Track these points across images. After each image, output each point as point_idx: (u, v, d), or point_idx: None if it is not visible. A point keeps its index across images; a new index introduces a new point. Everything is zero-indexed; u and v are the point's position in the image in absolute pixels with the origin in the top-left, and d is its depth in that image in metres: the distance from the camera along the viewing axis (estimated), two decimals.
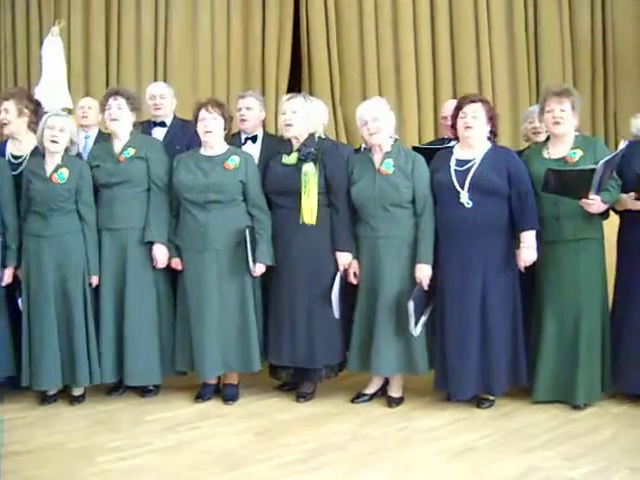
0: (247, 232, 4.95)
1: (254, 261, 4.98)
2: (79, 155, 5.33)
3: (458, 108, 4.99)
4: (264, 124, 5.84)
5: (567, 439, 4.50)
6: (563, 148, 4.93)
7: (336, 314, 5.02)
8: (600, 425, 4.72)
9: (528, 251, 4.86)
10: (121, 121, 5.18)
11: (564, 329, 4.95)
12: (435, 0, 8.56)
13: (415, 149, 5.26)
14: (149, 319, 5.14)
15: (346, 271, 5.09)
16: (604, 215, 4.93)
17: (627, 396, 5.08)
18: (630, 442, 4.47)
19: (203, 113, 5.05)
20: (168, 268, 5.20)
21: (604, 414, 4.90)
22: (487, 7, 8.63)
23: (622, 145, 4.74)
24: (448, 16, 8.61)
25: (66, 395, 5.19)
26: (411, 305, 4.80)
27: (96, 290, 5.11)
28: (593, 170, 4.59)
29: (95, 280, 5.08)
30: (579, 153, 4.86)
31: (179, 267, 5.15)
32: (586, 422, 4.78)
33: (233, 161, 5.07)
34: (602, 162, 4.60)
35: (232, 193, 5.03)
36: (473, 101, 4.98)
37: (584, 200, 4.71)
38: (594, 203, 4.72)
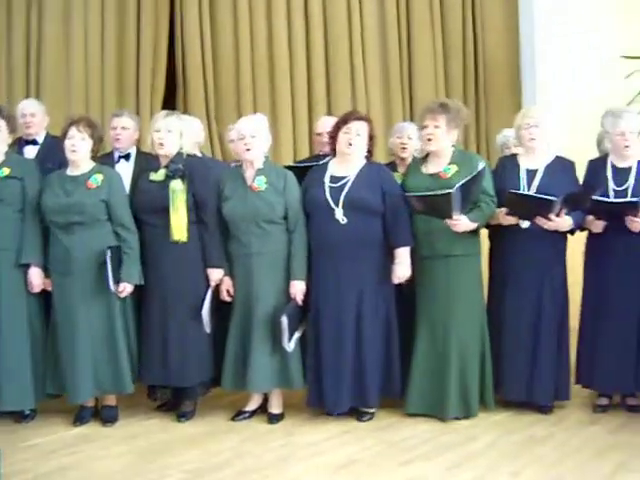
0: (108, 253, 4.87)
1: (116, 282, 4.91)
2: None
3: (344, 122, 5.03)
4: (138, 142, 5.79)
5: (447, 449, 4.59)
6: (439, 163, 5.03)
7: (207, 329, 5.00)
8: (479, 433, 4.83)
9: (402, 267, 4.95)
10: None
11: (434, 345, 5.05)
12: (310, 18, 8.58)
13: (287, 167, 5.29)
14: (21, 343, 5.01)
15: (218, 288, 5.09)
16: (475, 231, 5.02)
17: (507, 404, 5.22)
18: (509, 448, 4.59)
19: (73, 131, 4.96)
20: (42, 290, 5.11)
21: (482, 423, 5.02)
22: (361, 26, 8.69)
23: (480, 167, 4.85)
24: (322, 34, 8.65)
25: None
26: (284, 320, 4.83)
27: None
28: (449, 194, 4.68)
29: None
30: (453, 169, 4.96)
31: (49, 288, 5.05)
32: (465, 431, 4.88)
33: (95, 180, 4.97)
34: (457, 186, 4.69)
35: (94, 213, 4.93)
36: (360, 119, 5.05)
37: (448, 221, 4.81)
38: (458, 223, 4.82)
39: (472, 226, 4.90)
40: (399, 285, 5.04)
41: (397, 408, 5.17)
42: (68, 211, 4.91)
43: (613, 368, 5.10)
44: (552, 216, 4.84)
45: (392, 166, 5.67)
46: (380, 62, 8.81)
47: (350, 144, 4.97)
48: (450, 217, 4.79)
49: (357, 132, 4.98)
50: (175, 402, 5.29)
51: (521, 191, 4.99)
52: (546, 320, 5.08)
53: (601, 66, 8.02)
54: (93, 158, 5.07)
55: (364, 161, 5.05)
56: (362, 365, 4.96)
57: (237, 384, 5.10)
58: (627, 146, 5.07)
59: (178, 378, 5.06)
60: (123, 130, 5.59)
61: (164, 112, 5.26)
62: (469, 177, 4.76)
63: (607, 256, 5.10)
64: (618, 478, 4.14)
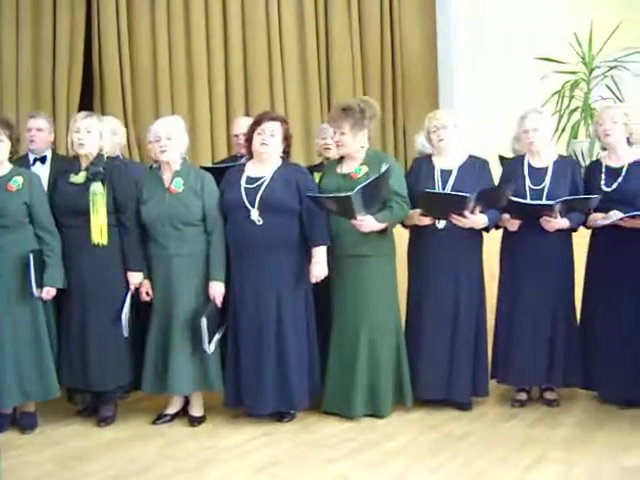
0: (30, 257, 4.81)
1: (38, 286, 4.85)
2: None
3: (257, 123, 5.03)
4: (54, 144, 5.72)
5: (367, 447, 4.63)
6: (353, 164, 5.07)
7: (125, 333, 4.97)
8: (397, 432, 4.88)
9: (318, 266, 4.96)
10: None
11: (345, 344, 5.08)
12: (228, 18, 8.59)
13: (204, 169, 5.28)
14: None
15: (138, 290, 5.06)
16: (384, 231, 5.00)
17: (424, 402, 5.28)
18: (427, 445, 4.66)
19: None
20: None
21: (401, 421, 5.07)
22: (279, 27, 8.75)
23: (383, 168, 4.90)
24: (241, 33, 8.67)
25: None
26: (204, 322, 4.82)
27: None
28: (348, 197, 4.71)
29: None
30: (364, 169, 4.99)
31: None
32: (384, 430, 4.93)
33: (16, 182, 4.88)
34: (357, 189, 4.72)
35: (16, 216, 4.85)
36: (273, 119, 5.05)
37: (353, 221, 4.85)
38: (362, 224, 4.85)
39: (379, 226, 4.93)
40: (317, 284, 5.06)
41: (316, 408, 5.19)
42: None
43: (527, 363, 5.21)
44: (467, 213, 4.91)
45: (320, 166, 5.74)
46: (298, 64, 8.87)
47: (264, 144, 4.98)
48: (355, 218, 4.83)
49: (271, 133, 4.99)
50: (95, 406, 5.23)
51: (432, 190, 5.06)
52: (463, 318, 5.16)
53: (517, 68, 8.17)
54: (9, 160, 4.99)
55: (280, 161, 5.06)
56: (286, 367, 4.96)
57: (157, 387, 5.06)
58: (531, 142, 5.20)
59: (97, 382, 5.00)
60: (38, 132, 5.52)
61: (84, 113, 5.18)
62: (371, 179, 4.81)
63: (522, 254, 5.19)
64: (538, 470, 4.24)
